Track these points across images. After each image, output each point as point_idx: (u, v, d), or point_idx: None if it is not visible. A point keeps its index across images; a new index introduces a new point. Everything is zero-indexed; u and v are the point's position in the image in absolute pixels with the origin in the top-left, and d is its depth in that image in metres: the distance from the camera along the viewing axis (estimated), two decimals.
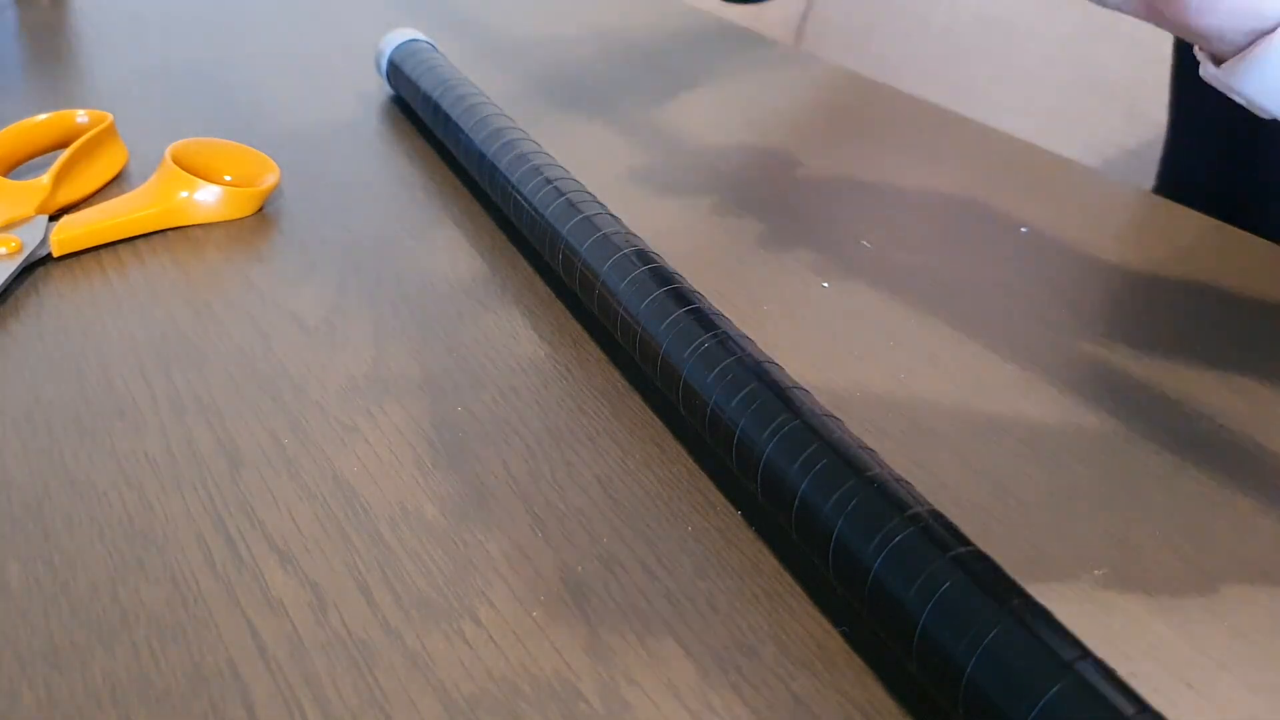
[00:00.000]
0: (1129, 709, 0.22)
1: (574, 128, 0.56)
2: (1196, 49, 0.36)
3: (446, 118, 0.49)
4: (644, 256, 0.37)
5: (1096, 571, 0.30)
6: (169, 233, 0.44)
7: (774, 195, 0.50)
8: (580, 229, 0.39)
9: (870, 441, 0.35)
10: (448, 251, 0.44)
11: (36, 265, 0.42)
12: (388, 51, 0.56)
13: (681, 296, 0.35)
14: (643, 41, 0.70)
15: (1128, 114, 0.91)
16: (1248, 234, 0.49)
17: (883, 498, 0.27)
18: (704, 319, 0.33)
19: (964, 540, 0.26)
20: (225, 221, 0.46)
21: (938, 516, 0.26)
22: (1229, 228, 0.49)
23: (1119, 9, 0.35)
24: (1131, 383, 0.38)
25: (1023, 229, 0.48)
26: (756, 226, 0.47)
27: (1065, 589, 0.30)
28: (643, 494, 0.32)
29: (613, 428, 0.35)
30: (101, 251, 0.43)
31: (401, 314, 0.40)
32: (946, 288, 0.43)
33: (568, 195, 0.41)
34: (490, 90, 0.51)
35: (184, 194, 0.45)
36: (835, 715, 0.26)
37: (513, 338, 0.39)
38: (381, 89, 0.59)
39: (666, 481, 0.33)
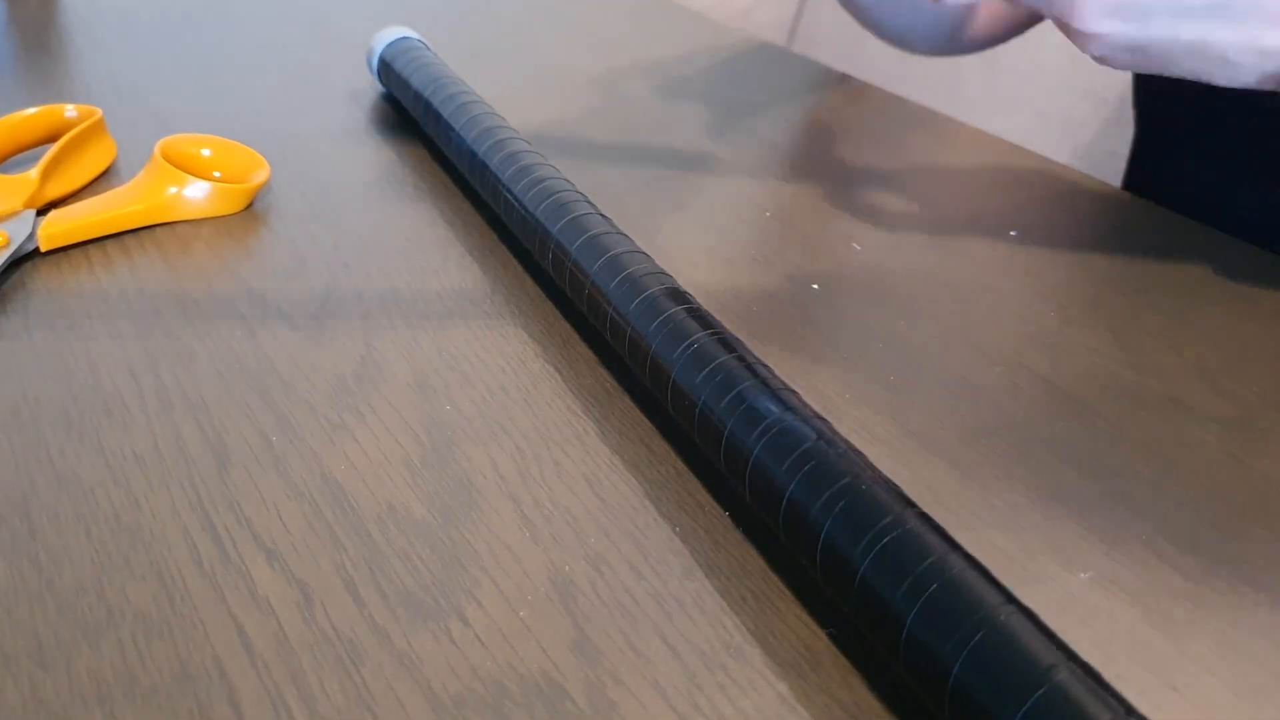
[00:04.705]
0: (1114, 713, 0.22)
1: (565, 128, 0.56)
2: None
3: (437, 116, 0.49)
4: (634, 257, 0.37)
5: (1083, 574, 0.30)
6: (157, 228, 0.44)
7: (764, 198, 0.50)
8: (571, 229, 0.39)
9: (859, 443, 0.35)
10: (437, 250, 0.44)
11: (24, 260, 0.41)
12: (379, 49, 0.56)
13: (671, 297, 0.35)
14: (635, 43, 0.70)
15: (1118, 118, 0.91)
16: (1234, 238, 0.49)
17: (871, 500, 0.27)
18: (693, 320, 0.33)
19: (951, 543, 0.26)
20: (214, 218, 0.45)
21: (925, 519, 0.26)
22: (1215, 231, 0.49)
23: None
24: (1118, 386, 0.38)
25: (1012, 232, 0.48)
26: (746, 228, 0.47)
27: (1052, 592, 0.30)
28: (631, 494, 0.32)
29: (602, 428, 0.35)
30: (89, 247, 0.43)
31: (391, 312, 0.40)
32: (936, 291, 0.43)
33: (558, 195, 0.41)
34: (481, 89, 0.51)
35: (173, 190, 0.44)
36: (822, 716, 0.26)
37: (502, 337, 0.39)
38: (372, 86, 0.59)
39: (655, 482, 0.33)
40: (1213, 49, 0.38)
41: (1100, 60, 0.41)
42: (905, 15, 0.59)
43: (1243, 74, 0.39)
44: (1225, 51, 0.38)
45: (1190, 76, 0.40)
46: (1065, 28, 0.40)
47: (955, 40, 0.60)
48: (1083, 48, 0.40)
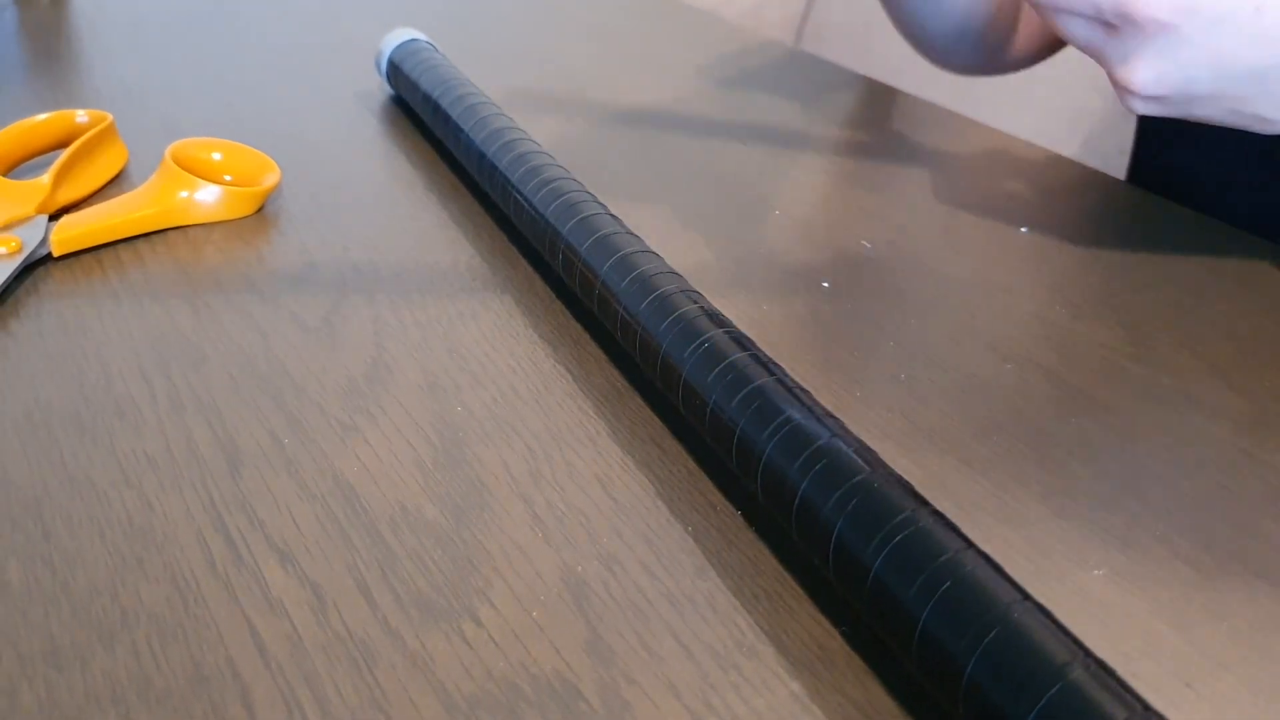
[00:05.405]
0: (1129, 709, 0.22)
1: (573, 128, 0.56)
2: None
3: (446, 118, 0.49)
4: (644, 256, 0.37)
5: (1096, 571, 0.30)
6: (169, 232, 0.44)
7: (773, 195, 0.50)
8: (580, 229, 0.39)
9: (870, 441, 0.35)
10: (448, 251, 0.44)
11: (36, 265, 0.42)
12: (388, 51, 0.56)
13: (681, 296, 0.35)
14: (642, 41, 0.70)
15: (1127, 113, 0.91)
16: (1246, 233, 0.49)
17: (883, 498, 0.27)
18: (704, 319, 0.33)
19: (964, 540, 0.26)
20: (225, 221, 0.46)
21: (938, 516, 0.26)
22: (1227, 226, 0.49)
23: None
24: (1131, 381, 0.38)
25: (1023, 229, 0.48)
26: (756, 226, 0.47)
27: (1065, 589, 0.30)
28: (643, 494, 0.32)
29: (613, 428, 0.35)
30: (101, 251, 0.43)
31: (401, 313, 0.40)
32: (946, 287, 0.43)
33: (568, 195, 0.41)
34: (490, 90, 0.51)
35: (184, 194, 0.45)
36: (835, 715, 0.26)
37: (513, 337, 0.39)
38: (381, 89, 0.59)
39: (667, 481, 0.33)
40: (1250, 106, 0.41)
41: (1140, 113, 0.42)
42: (949, 37, 0.60)
43: (1275, 127, 0.42)
44: (1260, 109, 0.41)
45: (1225, 126, 0.42)
46: (1113, 83, 0.42)
47: (996, 59, 0.61)
48: (1127, 106, 0.42)
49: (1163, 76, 0.40)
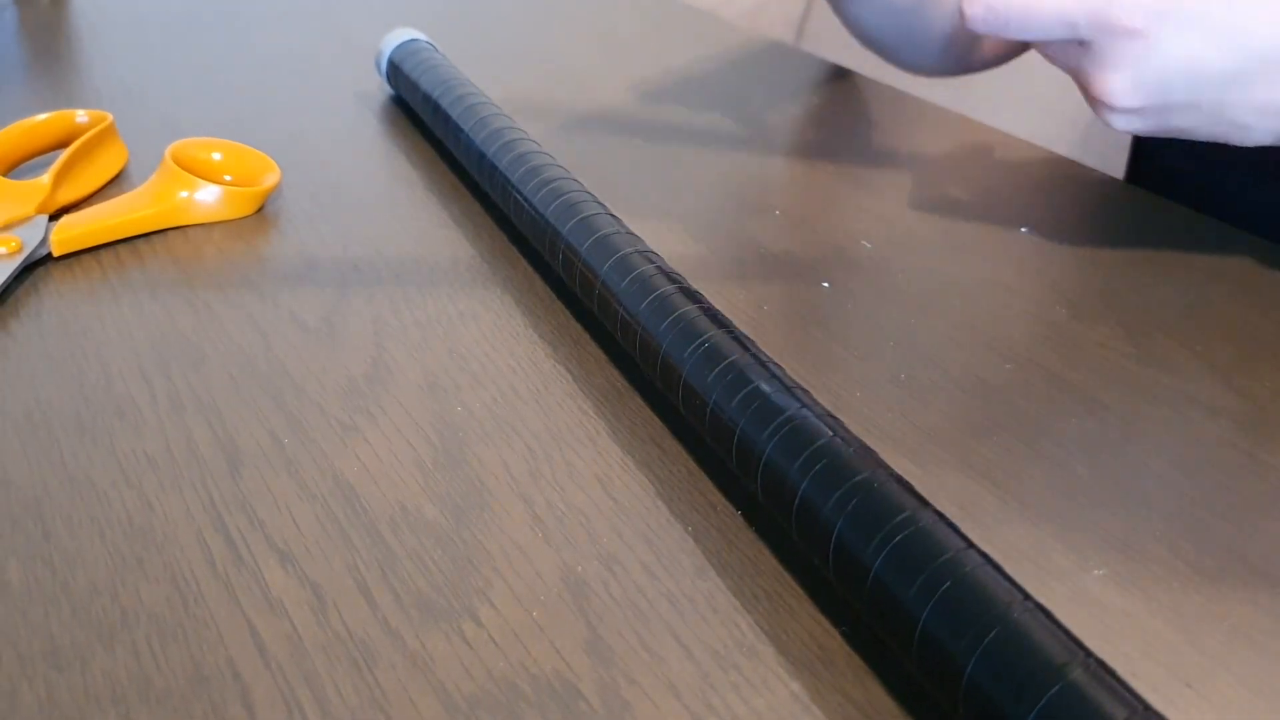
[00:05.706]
0: (1129, 709, 0.22)
1: (573, 128, 0.56)
2: None
3: (446, 118, 0.49)
4: (644, 256, 0.37)
5: (1097, 572, 0.30)
6: (169, 232, 0.44)
7: (774, 195, 0.50)
8: (580, 229, 0.39)
9: (870, 441, 0.35)
10: (448, 251, 0.44)
11: (36, 265, 0.42)
12: (388, 51, 0.56)
13: (681, 296, 0.35)
14: (643, 41, 0.70)
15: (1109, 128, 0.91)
16: (1246, 233, 0.49)
17: (883, 498, 0.27)
18: (704, 319, 0.33)
19: (964, 540, 0.26)
20: (225, 221, 0.46)
21: (938, 516, 0.26)
22: (1226, 226, 0.49)
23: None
24: (1130, 381, 0.38)
25: (1023, 229, 0.48)
26: (756, 226, 0.47)
27: (1065, 589, 0.30)
28: (643, 494, 0.32)
29: (613, 428, 0.35)
30: (101, 251, 0.43)
31: (401, 313, 0.40)
32: (946, 288, 0.43)
33: (568, 195, 0.41)
34: (490, 90, 0.51)
35: (184, 194, 0.45)
36: (835, 715, 0.26)
37: (513, 337, 0.39)
38: (381, 89, 0.59)
39: (667, 481, 0.33)
40: (1228, 112, 0.41)
41: (1120, 129, 0.43)
42: (916, 51, 0.60)
43: (1256, 135, 0.42)
44: (1239, 115, 0.41)
45: (1207, 139, 0.43)
46: (1090, 98, 0.42)
47: (966, 63, 0.61)
48: (1106, 121, 0.42)
49: (1139, 85, 0.40)
